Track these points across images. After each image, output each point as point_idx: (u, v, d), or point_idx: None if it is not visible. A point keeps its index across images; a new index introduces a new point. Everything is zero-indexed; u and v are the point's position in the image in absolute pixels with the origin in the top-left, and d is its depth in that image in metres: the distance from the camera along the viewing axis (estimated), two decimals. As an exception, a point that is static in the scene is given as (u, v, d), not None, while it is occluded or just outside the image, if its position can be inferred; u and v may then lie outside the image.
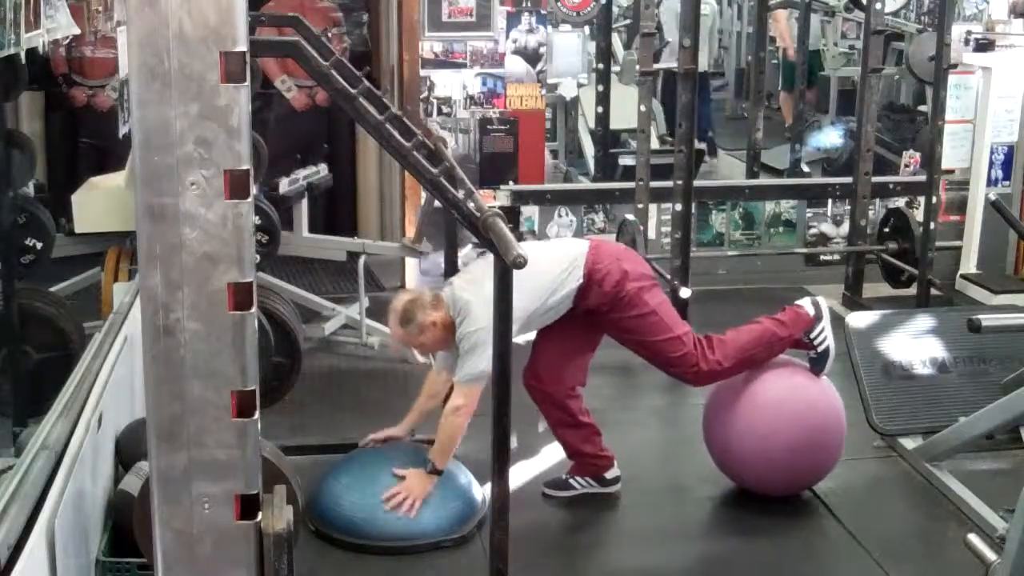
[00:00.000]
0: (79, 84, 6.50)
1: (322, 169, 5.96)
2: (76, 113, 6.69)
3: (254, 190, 1.78)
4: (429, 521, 3.78)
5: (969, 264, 6.54)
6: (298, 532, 3.09)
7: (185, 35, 1.66)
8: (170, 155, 1.70)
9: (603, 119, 7.96)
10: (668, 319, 3.99)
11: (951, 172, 6.54)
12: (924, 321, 4.73)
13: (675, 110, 5.62)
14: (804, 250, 6.78)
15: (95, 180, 5.36)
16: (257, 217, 4.67)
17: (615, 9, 9.11)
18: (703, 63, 7.82)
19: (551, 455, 4.34)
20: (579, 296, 3.91)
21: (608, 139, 8.11)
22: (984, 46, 6.43)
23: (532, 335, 4.07)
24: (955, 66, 6.03)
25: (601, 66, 7.98)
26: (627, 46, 9.17)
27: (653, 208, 6.09)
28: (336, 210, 7.11)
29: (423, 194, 5.82)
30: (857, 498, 4.18)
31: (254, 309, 1.78)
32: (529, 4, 6.19)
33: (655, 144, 7.56)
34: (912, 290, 6.02)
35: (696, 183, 5.85)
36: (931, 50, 6.18)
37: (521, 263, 2.71)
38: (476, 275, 3.76)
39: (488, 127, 6.22)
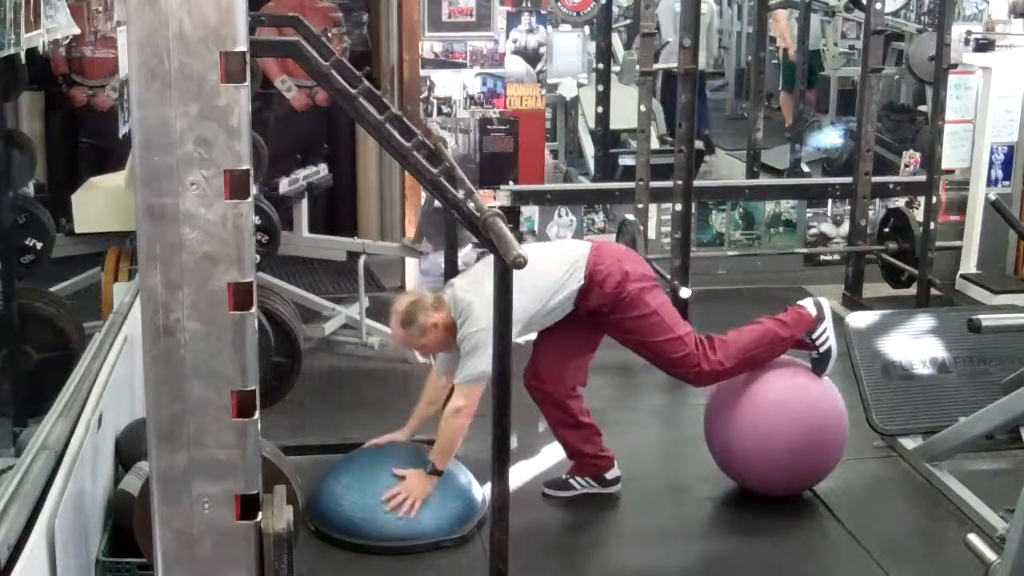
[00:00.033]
0: (79, 84, 6.49)
1: (322, 169, 5.96)
2: (76, 113, 6.68)
3: (254, 190, 1.78)
4: (429, 521, 3.78)
5: (969, 264, 6.54)
6: (298, 532, 3.10)
7: (185, 35, 1.66)
8: (170, 155, 1.70)
9: (603, 119, 7.96)
10: (670, 320, 3.99)
11: (951, 172, 6.54)
12: (924, 321, 4.73)
13: (675, 110, 5.63)
14: (804, 250, 6.78)
15: (95, 180, 5.37)
16: (257, 217, 4.67)
17: (615, 9, 9.11)
18: (700, 62, 7.82)
19: (551, 455, 4.34)
20: (580, 297, 3.91)
21: (608, 139, 8.11)
22: (984, 46, 6.43)
23: (532, 335, 4.07)
24: (955, 66, 6.03)
25: (601, 66, 7.98)
26: (627, 46, 9.17)
27: (653, 208, 6.09)
28: (336, 210, 7.11)
29: (423, 194, 5.82)
30: (857, 498, 4.18)
31: (254, 309, 1.78)
32: (529, 4, 6.19)
33: (655, 144, 7.56)
34: (912, 290, 6.02)
35: (696, 183, 5.85)
36: (931, 50, 6.18)
37: (521, 263, 2.71)
38: (478, 276, 3.76)
39: (488, 127, 6.22)
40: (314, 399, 5.01)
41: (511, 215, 5.95)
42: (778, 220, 6.77)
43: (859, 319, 4.69)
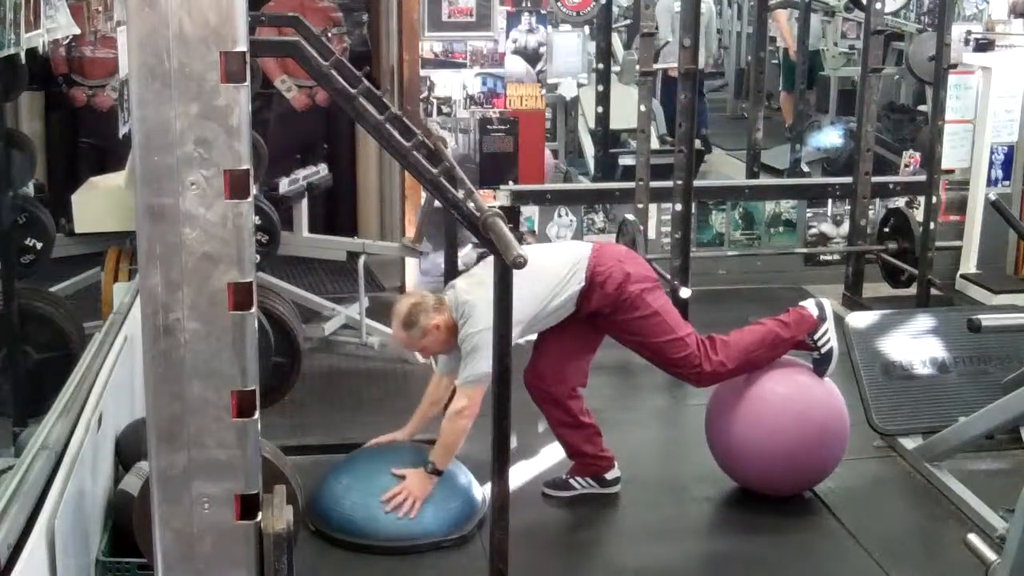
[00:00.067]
0: (79, 84, 6.50)
1: (322, 169, 5.96)
2: (76, 113, 6.69)
3: (254, 190, 1.78)
4: (429, 521, 3.78)
5: (969, 264, 6.54)
6: (297, 532, 3.10)
7: (185, 35, 1.66)
8: (170, 155, 1.70)
9: (603, 119, 7.96)
10: (671, 320, 3.99)
11: (951, 172, 6.54)
12: (924, 321, 4.73)
13: (675, 110, 5.63)
14: (804, 250, 6.78)
15: (95, 180, 5.37)
16: (257, 217, 4.67)
17: (615, 9, 9.12)
18: (699, 61, 7.82)
19: (551, 455, 4.34)
20: (582, 299, 3.91)
21: (608, 139, 8.11)
22: (984, 46, 6.43)
23: (533, 336, 4.07)
24: (955, 66, 6.03)
25: (601, 66, 7.98)
26: (627, 46, 9.19)
27: (653, 208, 6.09)
28: (336, 210, 7.11)
29: (423, 194, 5.82)
30: (857, 498, 4.18)
31: (254, 309, 1.78)
32: (529, 4, 6.19)
33: (655, 144, 7.56)
34: (912, 290, 6.02)
35: (696, 183, 5.85)
36: (931, 50, 6.18)
37: (521, 263, 2.71)
38: (479, 277, 3.76)
39: (488, 127, 6.22)
40: (314, 399, 5.00)
41: (511, 215, 5.96)
42: (778, 220, 6.77)
43: (859, 319, 4.69)
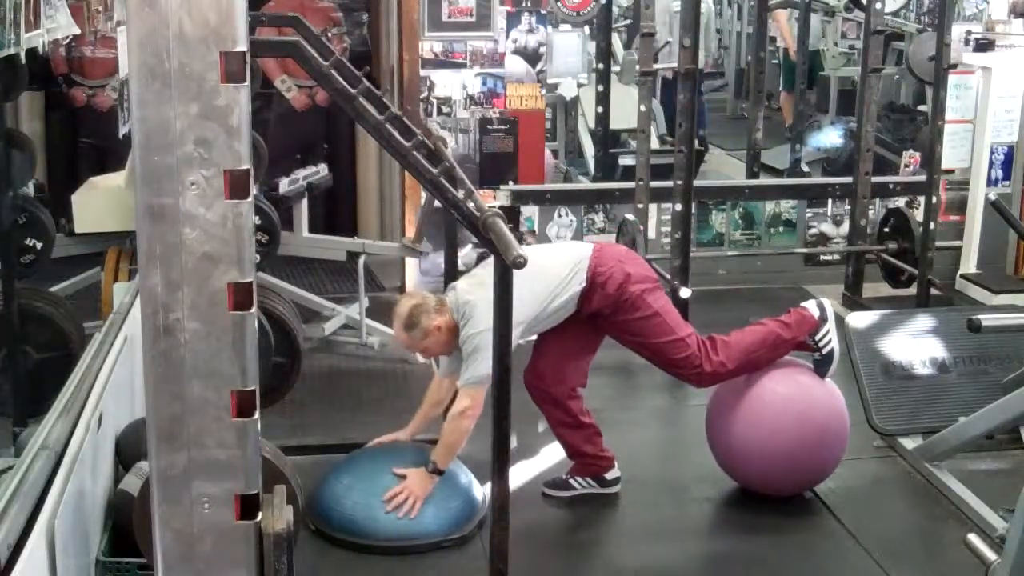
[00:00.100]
0: (79, 84, 6.50)
1: (322, 169, 5.95)
2: (76, 113, 6.69)
3: (254, 190, 1.78)
4: (430, 521, 3.78)
5: (969, 264, 6.54)
6: (297, 532, 3.10)
7: (185, 35, 1.66)
8: (170, 155, 1.70)
9: (603, 119, 7.96)
10: (672, 321, 3.99)
11: (951, 172, 6.54)
12: (924, 321, 4.73)
13: (675, 110, 5.63)
14: (804, 250, 6.78)
15: (95, 180, 5.37)
16: (257, 217, 4.67)
17: (615, 9, 9.11)
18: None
19: (551, 455, 4.34)
20: (583, 299, 3.91)
21: (608, 139, 8.11)
22: (984, 46, 6.43)
23: (533, 336, 4.07)
24: (955, 66, 6.03)
25: (601, 66, 7.98)
26: (627, 46, 9.18)
27: (653, 208, 6.09)
28: (336, 210, 7.11)
29: (423, 194, 5.82)
30: (857, 498, 4.18)
31: (254, 309, 1.78)
32: (529, 4, 6.19)
33: (655, 144, 7.56)
34: (912, 290, 6.02)
35: (696, 183, 5.85)
36: (931, 50, 6.18)
37: (521, 263, 2.71)
38: (480, 278, 3.76)
39: (488, 127, 6.22)
40: (314, 399, 5.00)
41: (511, 215, 5.96)
42: (778, 220, 6.77)
43: (859, 319, 4.69)
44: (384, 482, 3.81)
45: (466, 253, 5.90)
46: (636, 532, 4.04)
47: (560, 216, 6.52)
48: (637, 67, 6.04)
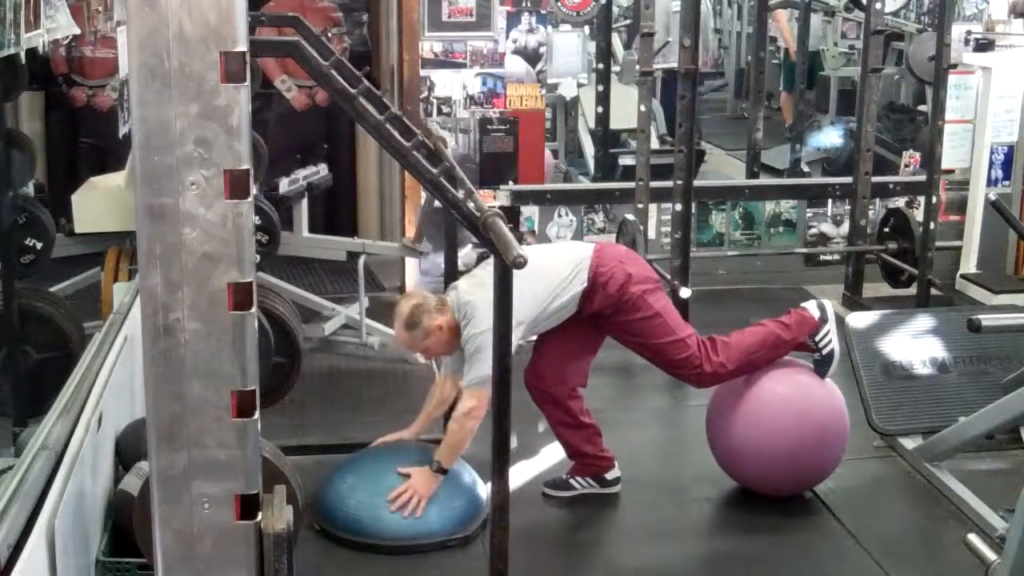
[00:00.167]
0: (79, 84, 6.50)
1: (322, 169, 5.96)
2: (76, 113, 6.69)
3: (254, 190, 1.78)
4: (434, 520, 3.78)
5: (969, 264, 6.54)
6: (298, 532, 3.10)
7: (185, 35, 1.66)
8: (170, 155, 1.70)
9: (603, 119, 7.96)
10: (672, 321, 3.99)
11: (951, 172, 6.54)
12: (924, 321, 4.73)
13: (675, 110, 5.63)
14: (804, 250, 6.77)
15: (95, 180, 5.37)
16: (257, 217, 4.67)
17: (615, 9, 9.11)
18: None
19: (551, 455, 4.34)
20: (584, 300, 3.91)
21: (608, 139, 8.11)
22: (984, 46, 6.43)
23: (534, 336, 4.07)
24: (955, 66, 6.03)
25: (601, 66, 7.98)
26: (627, 46, 9.17)
27: (653, 208, 6.08)
28: (336, 210, 7.11)
29: (423, 194, 5.82)
30: (857, 498, 4.18)
31: (254, 309, 1.78)
32: (529, 4, 6.19)
33: (655, 144, 7.56)
34: (912, 290, 6.02)
35: (696, 183, 5.85)
36: (931, 50, 6.18)
37: (521, 263, 2.71)
38: (480, 278, 3.76)
39: (488, 127, 6.22)
40: (314, 399, 5.00)
41: (511, 215, 5.95)
42: (778, 220, 6.77)
43: (859, 319, 4.69)
44: (388, 481, 3.81)
45: (466, 253, 5.90)
46: (636, 532, 4.04)
47: (560, 216, 6.52)
48: (637, 67, 6.03)
